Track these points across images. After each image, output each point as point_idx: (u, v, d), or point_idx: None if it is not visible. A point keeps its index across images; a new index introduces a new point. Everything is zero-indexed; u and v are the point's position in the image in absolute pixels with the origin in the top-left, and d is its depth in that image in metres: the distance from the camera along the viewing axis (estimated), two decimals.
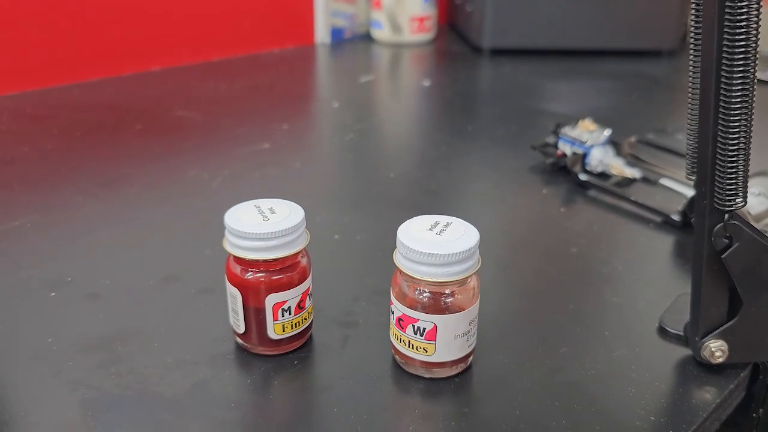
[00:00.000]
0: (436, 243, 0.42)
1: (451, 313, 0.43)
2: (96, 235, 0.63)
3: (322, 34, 1.36)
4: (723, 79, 0.39)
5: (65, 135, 0.86)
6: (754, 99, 0.39)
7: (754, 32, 0.37)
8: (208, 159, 0.80)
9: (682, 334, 0.50)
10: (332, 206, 0.70)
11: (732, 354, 0.46)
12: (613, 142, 0.79)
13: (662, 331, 0.51)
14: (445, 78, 1.23)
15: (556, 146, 0.79)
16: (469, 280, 0.43)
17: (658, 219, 0.67)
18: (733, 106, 0.39)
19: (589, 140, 0.77)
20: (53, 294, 0.53)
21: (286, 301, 0.45)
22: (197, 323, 0.50)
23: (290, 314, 0.45)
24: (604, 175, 0.76)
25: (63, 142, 0.84)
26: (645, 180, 0.75)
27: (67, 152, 0.81)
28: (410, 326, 0.43)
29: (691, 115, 0.43)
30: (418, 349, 0.44)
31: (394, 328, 0.45)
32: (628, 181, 0.75)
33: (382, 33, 1.39)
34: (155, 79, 1.10)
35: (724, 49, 0.38)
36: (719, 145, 0.40)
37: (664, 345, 0.50)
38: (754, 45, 0.38)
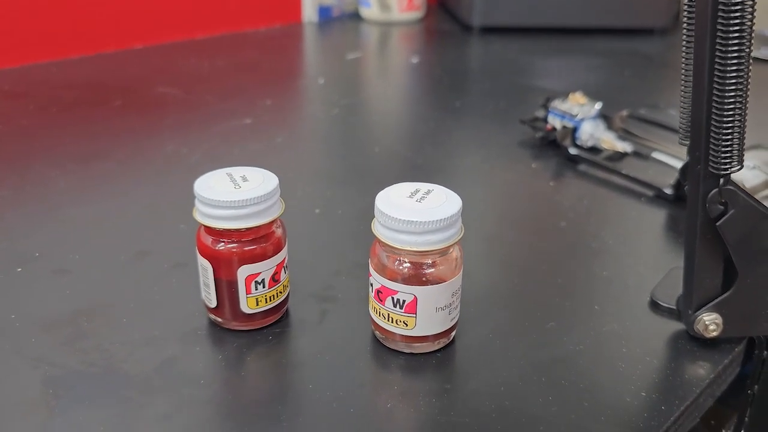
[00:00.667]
0: (416, 210, 0.39)
1: (433, 284, 0.40)
2: (69, 211, 0.60)
3: (309, 13, 1.34)
4: (719, 36, 0.37)
5: (42, 112, 0.84)
6: (751, 56, 0.37)
7: None
8: (188, 135, 0.77)
9: (674, 307, 0.48)
10: (314, 181, 0.67)
11: (726, 327, 0.44)
12: (604, 117, 0.76)
13: (654, 305, 0.49)
14: (434, 55, 1.20)
15: (545, 120, 0.77)
16: (451, 250, 0.41)
17: (650, 193, 0.65)
18: (729, 63, 0.37)
19: (580, 114, 0.74)
20: (19, 269, 0.51)
21: (260, 273, 0.43)
22: (168, 299, 0.48)
23: (264, 287, 0.43)
24: (594, 150, 0.74)
25: (39, 119, 0.81)
26: (636, 154, 0.73)
27: (43, 129, 0.79)
28: (389, 298, 0.41)
29: (686, 77, 0.41)
30: (398, 323, 0.41)
31: (373, 301, 0.43)
32: (620, 155, 0.73)
33: (370, 11, 1.37)
34: (137, 57, 1.07)
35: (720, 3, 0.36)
36: (715, 106, 0.38)
37: (656, 319, 0.48)
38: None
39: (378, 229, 0.41)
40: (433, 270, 0.41)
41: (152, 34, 1.13)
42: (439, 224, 0.39)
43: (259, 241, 0.42)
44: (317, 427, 0.37)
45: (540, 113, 0.78)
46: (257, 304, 0.43)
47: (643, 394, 0.41)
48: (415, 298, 0.40)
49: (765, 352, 0.46)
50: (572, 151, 0.73)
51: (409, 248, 0.39)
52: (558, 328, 0.46)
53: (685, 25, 0.40)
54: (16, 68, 0.98)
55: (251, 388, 0.41)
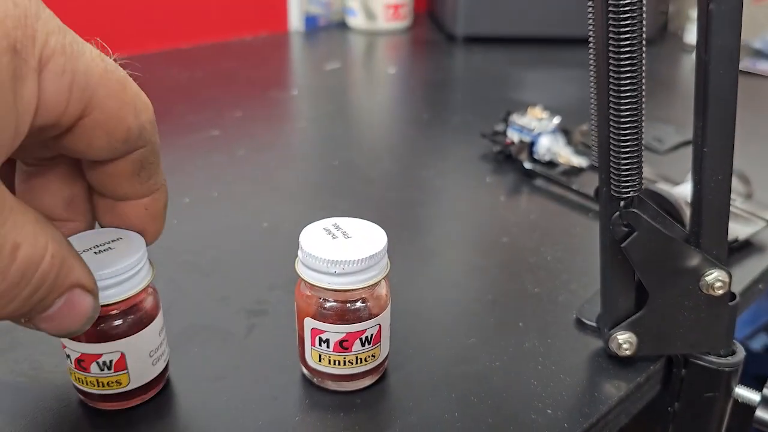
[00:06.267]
0: (339, 250, 0.40)
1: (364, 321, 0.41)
2: None
3: (296, 22, 1.35)
4: (611, 65, 0.38)
5: None
6: (644, 87, 0.38)
7: (639, 15, 0.36)
8: None
9: (596, 325, 0.48)
10: (268, 194, 0.69)
11: (641, 346, 0.45)
12: (564, 131, 0.77)
13: (579, 323, 0.50)
14: (414, 66, 1.21)
15: (505, 134, 0.78)
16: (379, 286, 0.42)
17: (597, 209, 0.66)
18: (623, 94, 0.38)
19: (537, 128, 0.75)
20: None
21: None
22: None
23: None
24: (552, 164, 0.75)
25: None
26: (594, 168, 0.73)
27: None
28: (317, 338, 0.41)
29: (592, 102, 0.42)
30: (337, 363, 0.42)
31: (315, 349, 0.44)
32: (577, 170, 0.74)
33: (356, 20, 1.38)
34: None
35: (610, 31, 0.37)
36: (612, 132, 0.39)
37: (580, 337, 0.49)
38: (640, 27, 0.37)
39: (301, 269, 0.41)
40: (360, 307, 0.41)
41: (135, 44, 1.15)
42: (363, 264, 0.39)
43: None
44: None
45: (500, 127, 0.79)
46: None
47: (549, 411, 0.42)
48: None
49: (683, 370, 0.47)
50: (527, 165, 0.73)
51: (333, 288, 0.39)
52: (478, 344, 0.47)
53: (589, 37, 0.41)
54: None
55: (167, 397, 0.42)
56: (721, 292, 0.43)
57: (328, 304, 0.41)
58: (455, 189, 0.72)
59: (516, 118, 0.77)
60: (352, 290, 0.40)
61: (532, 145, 0.75)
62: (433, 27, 1.44)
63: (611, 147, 0.39)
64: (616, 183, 0.40)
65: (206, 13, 1.23)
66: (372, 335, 0.41)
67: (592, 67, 0.41)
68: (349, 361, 0.41)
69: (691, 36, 1.29)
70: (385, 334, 0.43)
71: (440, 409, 0.41)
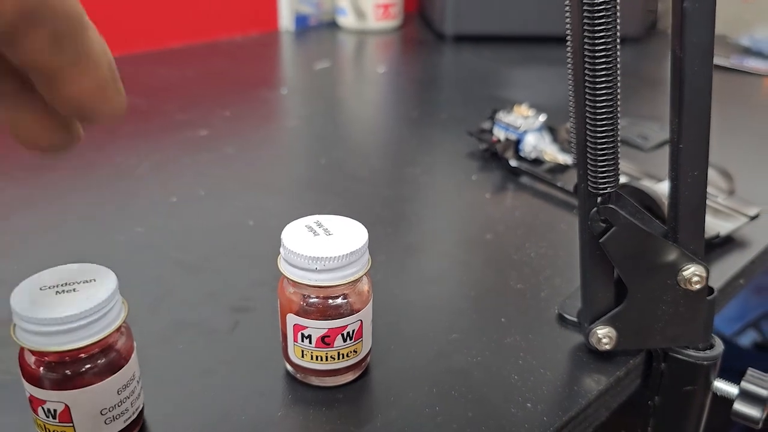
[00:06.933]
0: (321, 246, 0.41)
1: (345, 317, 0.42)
2: (9, 220, 0.62)
3: (286, 21, 1.35)
4: (587, 63, 0.38)
5: None
6: (619, 85, 0.39)
7: (614, 14, 0.37)
8: (140, 145, 0.79)
9: (577, 320, 0.49)
10: (255, 192, 0.69)
11: (620, 341, 0.46)
12: (550, 128, 0.78)
13: (561, 318, 0.50)
14: (403, 65, 1.22)
15: (491, 132, 0.78)
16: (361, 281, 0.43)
17: None
18: (598, 91, 0.39)
19: (523, 126, 0.76)
20: None
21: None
22: None
23: None
24: (537, 162, 0.76)
25: None
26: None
27: None
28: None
29: (571, 99, 0.42)
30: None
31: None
32: (562, 168, 0.74)
33: (346, 20, 1.38)
34: None
35: (585, 29, 0.37)
36: (588, 129, 0.40)
37: (561, 332, 0.49)
38: (614, 25, 0.37)
39: (283, 266, 0.41)
40: (341, 303, 0.41)
41: (125, 44, 1.15)
42: (344, 260, 0.39)
43: None
44: None
45: (486, 125, 0.79)
46: None
47: (529, 405, 0.42)
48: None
49: (663, 364, 0.47)
50: (513, 163, 0.74)
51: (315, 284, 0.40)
52: (460, 339, 0.48)
53: (567, 28, 0.41)
54: None
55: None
56: (698, 286, 0.43)
57: (310, 301, 0.41)
58: (441, 186, 0.72)
59: (502, 116, 0.78)
60: (334, 286, 0.40)
61: (518, 142, 0.76)
62: (423, 26, 1.44)
63: (588, 144, 0.40)
64: (593, 179, 0.41)
65: (197, 12, 1.23)
66: (354, 331, 0.42)
67: (569, 65, 0.42)
68: (331, 357, 0.42)
69: None
70: (367, 329, 0.43)
71: (421, 403, 0.42)
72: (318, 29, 1.39)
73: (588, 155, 0.40)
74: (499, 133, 0.77)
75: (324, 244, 0.40)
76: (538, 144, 0.76)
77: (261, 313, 0.50)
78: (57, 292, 0.36)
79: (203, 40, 1.24)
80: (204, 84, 1.03)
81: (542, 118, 0.77)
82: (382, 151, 0.80)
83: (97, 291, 0.36)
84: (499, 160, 0.76)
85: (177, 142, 0.80)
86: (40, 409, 0.36)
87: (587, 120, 0.39)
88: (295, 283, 0.41)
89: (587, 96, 0.39)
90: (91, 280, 0.37)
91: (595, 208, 0.42)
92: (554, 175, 0.72)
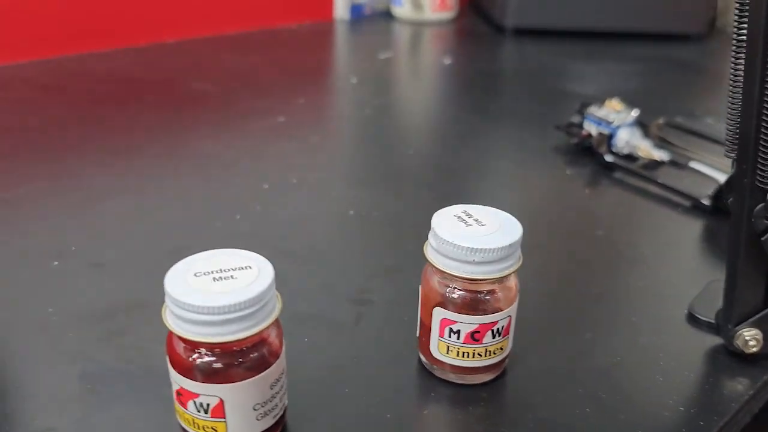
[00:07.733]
0: (474, 237, 0.39)
1: (491, 313, 0.40)
2: (104, 204, 0.61)
3: (341, 10, 1.34)
4: None
5: (77, 104, 0.84)
6: None
7: None
8: (223, 132, 0.77)
9: (713, 321, 0.47)
10: (348, 182, 0.67)
11: (767, 344, 0.44)
12: (641, 124, 0.76)
13: (692, 319, 0.48)
14: (467, 57, 1.20)
15: (581, 126, 0.76)
16: (509, 279, 0.41)
17: (687, 203, 0.64)
18: None
19: (616, 120, 0.74)
20: (56, 263, 0.52)
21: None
22: None
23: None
24: (630, 157, 0.73)
25: (75, 112, 0.82)
26: (673, 163, 0.72)
27: (79, 121, 0.79)
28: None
29: (734, 85, 0.40)
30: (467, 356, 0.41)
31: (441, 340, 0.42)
32: (656, 164, 0.72)
33: (402, 10, 1.36)
34: (168, 51, 1.07)
35: None
36: (764, 118, 0.38)
37: (693, 333, 0.47)
38: None
39: (434, 257, 0.39)
40: (489, 298, 0.39)
41: (183, 29, 1.13)
42: (502, 252, 0.38)
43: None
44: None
45: (575, 119, 0.77)
46: None
47: (681, 408, 0.40)
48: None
49: None
50: (608, 158, 0.72)
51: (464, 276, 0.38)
52: (595, 338, 0.46)
53: (734, 30, 0.39)
54: (50, 59, 0.99)
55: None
56: None
57: (457, 293, 0.39)
58: (536, 180, 0.70)
59: (593, 110, 0.76)
60: (487, 279, 0.38)
61: (610, 137, 0.74)
62: (479, 18, 1.42)
63: (762, 133, 0.38)
64: (763, 173, 0.39)
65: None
66: (503, 327, 0.40)
67: (733, 60, 0.39)
68: (478, 354, 0.40)
69: None
70: (512, 327, 0.41)
71: (570, 405, 0.40)
72: (372, 19, 1.37)
73: (761, 145, 0.38)
74: (590, 128, 0.75)
75: (480, 236, 0.38)
76: (631, 139, 0.74)
77: (381, 306, 0.48)
78: (214, 279, 0.34)
79: (259, 27, 1.22)
80: (269, 71, 1.01)
81: (635, 113, 0.75)
82: (466, 143, 0.77)
83: (255, 279, 0.34)
84: (591, 155, 0.74)
85: (258, 129, 0.78)
86: (190, 403, 0.34)
87: (764, 112, 0.37)
88: (445, 274, 0.39)
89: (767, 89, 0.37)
90: (246, 267, 0.35)
91: (762, 204, 0.40)
92: (650, 172, 0.70)
